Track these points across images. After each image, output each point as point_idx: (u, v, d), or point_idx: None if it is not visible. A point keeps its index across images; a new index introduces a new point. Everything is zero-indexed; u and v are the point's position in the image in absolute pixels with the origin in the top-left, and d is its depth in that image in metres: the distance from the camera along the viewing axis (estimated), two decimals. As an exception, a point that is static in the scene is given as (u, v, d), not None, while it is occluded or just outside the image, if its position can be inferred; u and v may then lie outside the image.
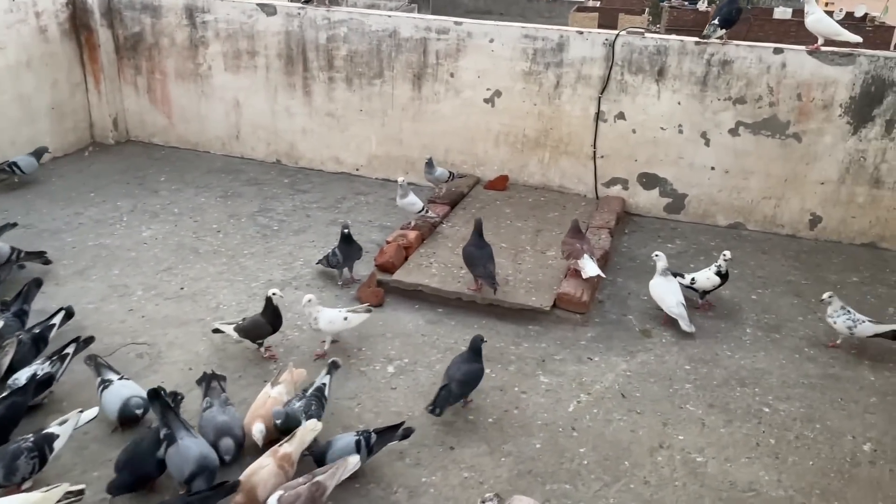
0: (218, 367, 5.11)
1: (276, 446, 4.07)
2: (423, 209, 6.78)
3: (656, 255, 5.88)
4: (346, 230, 6.09)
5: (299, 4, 8.22)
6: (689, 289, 6.07)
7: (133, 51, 8.95)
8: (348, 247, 6.15)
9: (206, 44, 8.64)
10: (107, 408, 4.45)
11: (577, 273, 6.02)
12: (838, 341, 5.63)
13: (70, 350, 4.78)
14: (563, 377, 5.25)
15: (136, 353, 5.27)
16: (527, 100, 7.82)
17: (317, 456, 4.14)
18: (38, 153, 7.92)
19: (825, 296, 5.56)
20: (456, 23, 7.82)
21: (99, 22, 8.73)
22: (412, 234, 6.66)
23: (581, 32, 7.49)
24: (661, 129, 7.49)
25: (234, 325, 5.19)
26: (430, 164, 7.39)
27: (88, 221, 7.22)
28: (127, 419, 4.47)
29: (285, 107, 8.65)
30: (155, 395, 4.13)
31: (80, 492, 3.75)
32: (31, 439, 3.90)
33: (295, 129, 8.72)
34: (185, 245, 6.86)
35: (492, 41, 7.71)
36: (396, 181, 6.77)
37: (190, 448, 3.88)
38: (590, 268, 5.91)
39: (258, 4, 8.28)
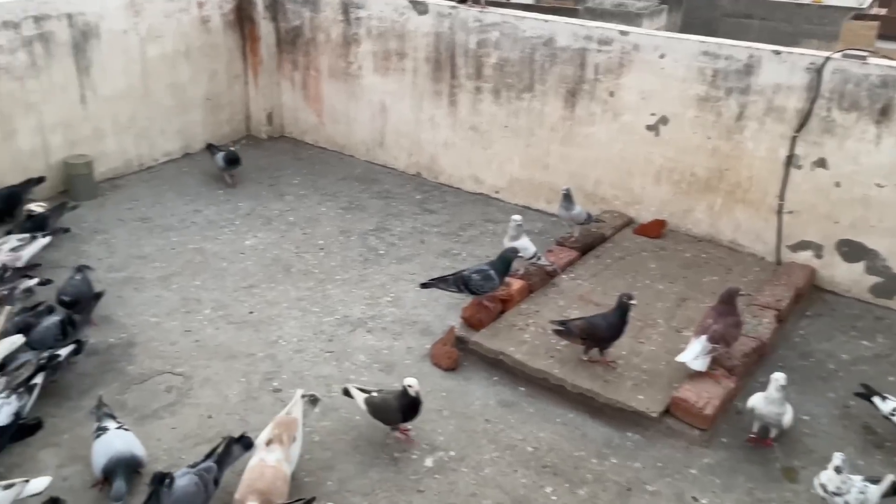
0: (240, 420, 4.45)
1: None
2: (534, 256, 5.63)
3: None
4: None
5: (452, 3, 7.35)
6: (887, 420, 4.36)
7: (292, 45, 8.67)
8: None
9: (358, 41, 8.09)
10: (93, 459, 3.92)
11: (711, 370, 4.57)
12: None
13: (38, 380, 4.32)
14: (647, 520, 3.90)
15: (166, 386, 4.77)
16: (699, 131, 6.29)
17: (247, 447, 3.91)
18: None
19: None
20: (621, 32, 6.48)
21: (262, 14, 8.52)
22: (516, 285, 5.54)
23: (778, 52, 5.80)
24: (878, 185, 5.61)
25: (365, 396, 4.32)
26: (567, 197, 6.18)
27: (202, 221, 6.97)
28: (111, 477, 3.90)
29: (430, 116, 7.85)
30: (160, 480, 3.53)
31: None
32: None
33: (437, 142, 7.90)
34: (280, 260, 6.33)
35: (662, 56, 6.28)
36: (514, 218, 5.65)
37: None
38: (689, 355, 4.47)
39: (411, 1, 7.54)
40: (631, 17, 11.72)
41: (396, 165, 8.32)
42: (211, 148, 7.95)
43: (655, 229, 6.60)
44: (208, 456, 3.84)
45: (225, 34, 8.49)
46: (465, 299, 5.55)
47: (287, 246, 6.60)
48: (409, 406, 4.18)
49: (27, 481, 3.69)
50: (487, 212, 7.37)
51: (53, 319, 4.81)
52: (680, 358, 4.62)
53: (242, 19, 8.61)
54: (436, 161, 8.00)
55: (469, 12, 7.22)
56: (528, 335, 5.12)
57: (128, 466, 3.86)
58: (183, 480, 3.60)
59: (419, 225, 7.08)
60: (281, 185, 7.83)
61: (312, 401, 4.35)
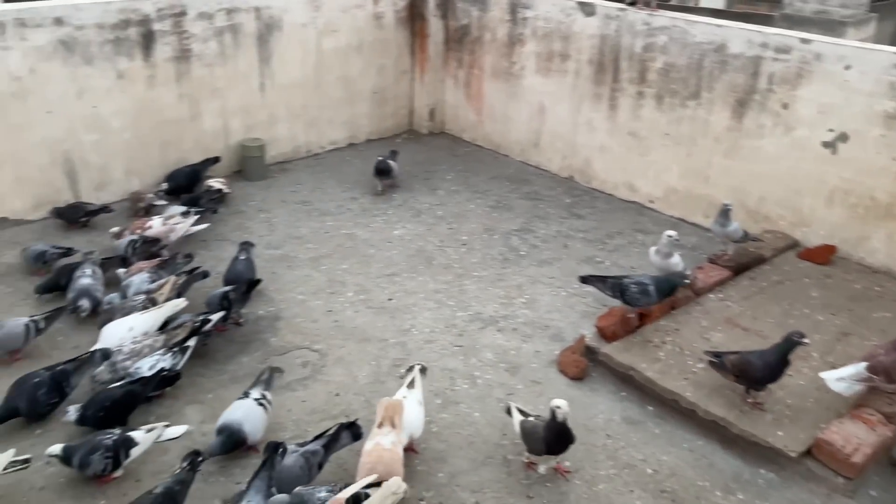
0: (364, 401, 4.61)
1: None
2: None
3: None
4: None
5: (621, 6, 7.14)
6: None
7: (459, 43, 8.82)
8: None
9: (522, 42, 8.09)
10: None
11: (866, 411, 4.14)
12: None
13: (191, 343, 4.67)
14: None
15: (302, 361, 5.02)
16: (884, 151, 5.71)
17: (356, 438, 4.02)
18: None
19: None
20: (802, 41, 6.00)
21: (433, 12, 8.74)
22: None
23: None
24: None
25: (521, 419, 4.12)
26: (725, 213, 5.82)
27: (357, 209, 7.27)
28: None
29: (588, 119, 7.70)
30: (274, 449, 3.72)
31: (26, 461, 3.75)
32: (112, 439, 3.82)
33: (593, 146, 7.73)
34: (423, 252, 6.48)
35: (847, 68, 5.75)
36: (668, 234, 5.38)
37: None
38: (835, 374, 4.11)
39: (578, 2, 7.42)
40: (833, 26, 10.64)
41: (549, 167, 8.24)
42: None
43: (823, 255, 6.06)
44: (317, 438, 3.97)
45: (396, 30, 8.79)
46: (600, 309, 5.42)
47: (432, 239, 6.73)
48: (555, 436, 3.88)
49: (167, 426, 4.03)
50: (639, 221, 7.11)
51: (218, 292, 5.23)
52: (824, 374, 4.22)
53: (414, 16, 8.87)
54: (589, 165, 7.83)
55: (637, 15, 6.99)
56: (663, 353, 4.88)
57: (231, 435, 4.03)
58: (290, 459, 3.74)
59: (564, 229, 6.97)
60: (435, 180, 8.00)
61: (422, 370, 4.43)
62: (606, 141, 7.58)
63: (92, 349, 4.59)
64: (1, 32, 5.96)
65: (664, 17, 6.86)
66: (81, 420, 4.12)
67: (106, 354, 4.49)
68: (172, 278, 5.36)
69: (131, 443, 3.86)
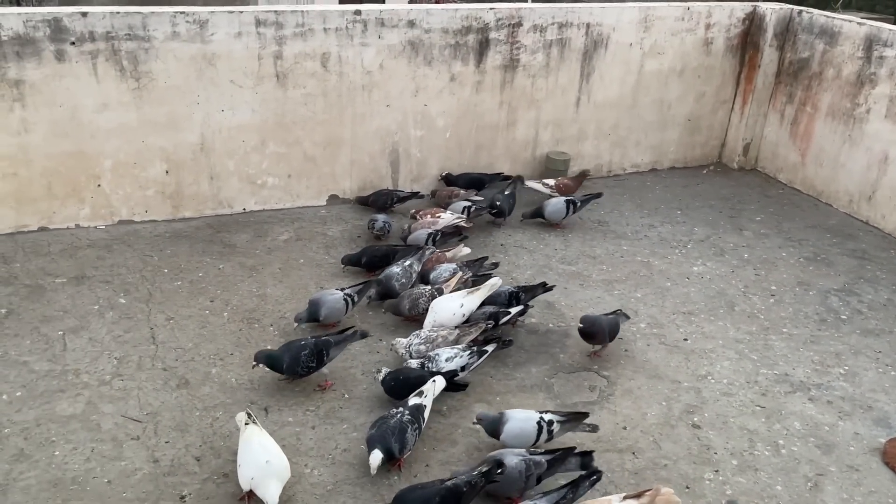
0: (652, 442, 4.37)
1: None
2: None
3: None
4: None
5: None
6: None
7: (793, 77, 8.13)
8: None
9: (873, 82, 7.22)
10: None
11: None
12: None
13: (489, 349, 4.73)
14: None
15: (590, 385, 4.90)
16: None
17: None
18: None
19: None
20: None
21: (769, 42, 8.16)
22: None
23: None
24: None
25: None
26: None
27: (655, 237, 7.00)
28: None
29: (944, 177, 6.66)
30: (499, 465, 3.72)
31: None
32: (409, 413, 4.00)
33: (946, 208, 6.67)
34: (725, 295, 6.04)
35: None
36: None
37: None
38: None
39: (957, 44, 6.43)
40: None
41: (883, 225, 7.26)
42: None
43: None
44: (553, 452, 3.90)
45: (724, 58, 8.33)
46: (947, 400, 4.61)
47: (736, 282, 6.25)
48: None
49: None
50: None
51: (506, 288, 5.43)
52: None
53: (746, 44, 8.35)
54: (938, 231, 6.77)
55: None
56: None
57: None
58: (513, 461, 3.73)
59: (897, 299, 6.09)
60: (742, 220, 7.45)
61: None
62: (966, 205, 6.49)
63: (353, 327, 4.88)
64: (364, 30, 6.61)
65: None
66: (390, 390, 4.47)
67: (363, 334, 4.81)
68: (459, 273, 5.54)
69: (422, 408, 4.08)
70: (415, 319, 5.24)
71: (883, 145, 7.19)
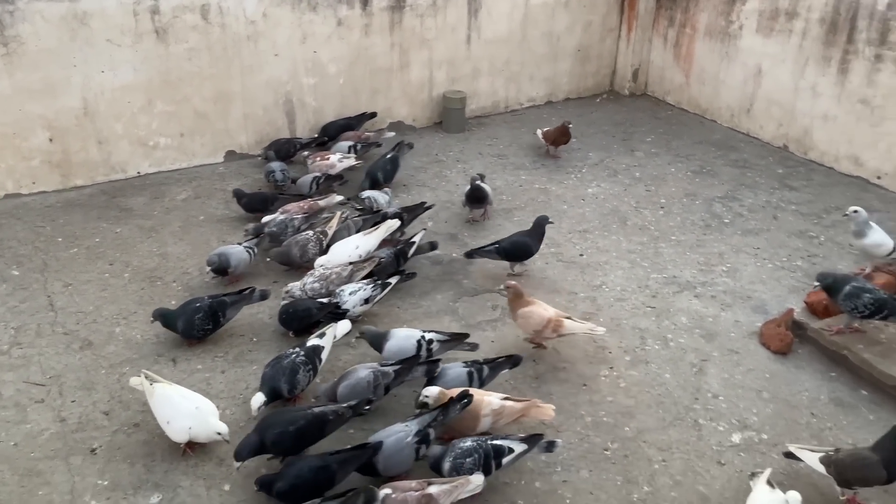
0: (552, 349, 4.61)
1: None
2: (894, 250, 4.80)
3: None
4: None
5: (866, -43, 6.44)
6: None
7: (672, 1, 8.40)
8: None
9: (744, -1, 7.56)
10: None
11: None
12: None
13: (392, 281, 4.88)
14: None
15: (492, 304, 5.10)
16: None
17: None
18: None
19: None
20: None
21: (647, -33, 8.40)
22: (881, 279, 4.80)
23: None
24: None
25: (821, 455, 3.55)
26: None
27: (551, 165, 7.22)
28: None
29: (811, 84, 7.07)
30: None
31: None
32: (303, 353, 4.07)
33: (815, 114, 7.10)
34: (618, 212, 6.32)
35: None
36: (851, 210, 4.95)
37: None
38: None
39: (814, -45, 6.79)
40: None
41: (761, 135, 7.69)
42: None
43: None
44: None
45: (606, -14, 8.54)
46: (810, 284, 5.02)
47: (627, 199, 6.55)
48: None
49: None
50: (862, 198, 6.46)
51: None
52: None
53: (626, -28, 8.57)
54: (808, 135, 7.21)
55: (885, -33, 6.27)
56: (885, 335, 4.44)
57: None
58: (363, 373, 3.94)
59: (775, 200, 6.50)
60: (633, 142, 7.75)
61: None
62: (832, 109, 6.93)
63: (251, 287, 4.82)
64: (242, -21, 6.49)
65: (918, -30, 6.10)
66: (282, 321, 4.59)
67: (265, 294, 4.78)
68: (338, 213, 5.58)
69: (319, 350, 4.14)
70: (305, 267, 5.23)
71: (756, 59, 7.57)
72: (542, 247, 5.72)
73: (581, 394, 4.27)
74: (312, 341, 4.18)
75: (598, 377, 4.40)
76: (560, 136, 7.20)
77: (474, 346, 4.39)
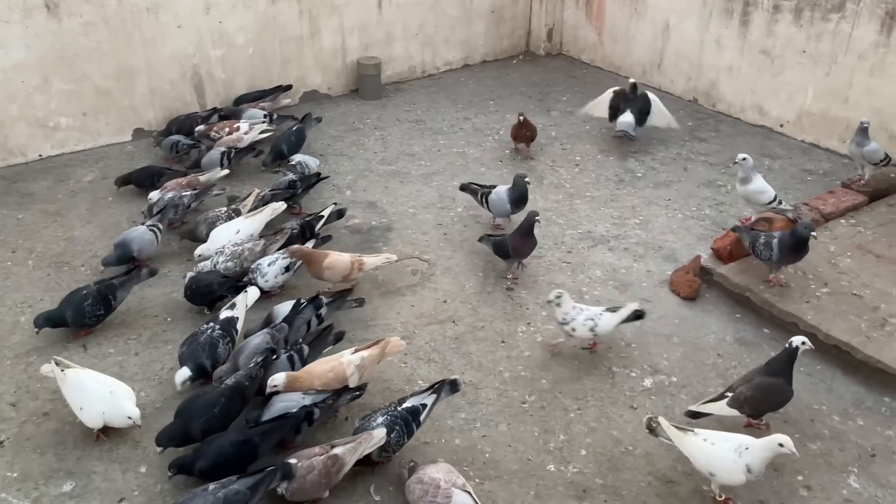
0: (471, 309, 4.67)
1: None
2: (774, 200, 5.00)
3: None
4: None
5: None
6: None
7: (581, -41, 8.46)
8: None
9: (649, -45, 7.65)
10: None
11: None
12: None
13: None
14: (893, 491, 3.42)
15: (412, 269, 5.12)
16: None
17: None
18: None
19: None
20: (972, -61, 5.34)
21: (555, -74, 8.40)
22: (779, 223, 5.01)
23: None
24: None
25: (727, 400, 3.64)
26: (863, 131, 5.41)
27: (469, 128, 7.24)
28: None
29: (716, 37, 7.25)
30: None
31: None
32: (219, 327, 4.02)
33: (720, 66, 7.29)
34: (534, 171, 6.40)
35: None
36: (740, 157, 5.06)
37: None
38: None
39: None
40: None
41: (672, 89, 7.87)
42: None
43: (976, 183, 5.50)
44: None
45: (516, -54, 8.52)
46: (718, 231, 5.23)
47: (544, 159, 6.63)
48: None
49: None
50: (766, 146, 6.70)
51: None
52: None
53: (534, -69, 8.56)
54: (715, 87, 7.41)
55: (779, -81, 6.44)
56: (783, 275, 4.63)
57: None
58: (256, 339, 3.98)
59: (685, 152, 6.68)
60: (549, 101, 7.83)
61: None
62: (735, 60, 7.13)
63: (137, 266, 4.76)
64: (136, -52, 6.22)
65: (809, -79, 6.28)
66: (188, 298, 4.54)
67: (153, 271, 4.69)
68: (256, 191, 5.49)
69: (234, 321, 4.13)
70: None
71: (664, 14, 7.71)
72: (460, 211, 5.77)
73: (499, 350, 4.34)
74: (224, 314, 4.13)
75: (515, 333, 4.49)
76: (519, 131, 6.49)
77: (361, 301, 4.51)
